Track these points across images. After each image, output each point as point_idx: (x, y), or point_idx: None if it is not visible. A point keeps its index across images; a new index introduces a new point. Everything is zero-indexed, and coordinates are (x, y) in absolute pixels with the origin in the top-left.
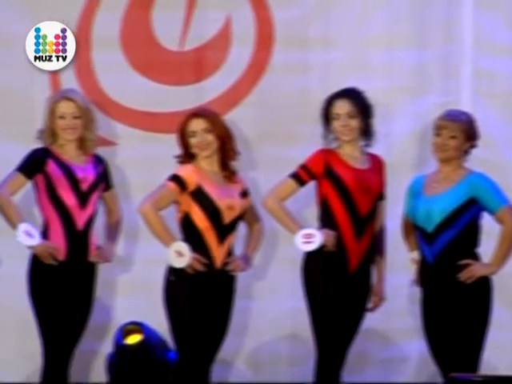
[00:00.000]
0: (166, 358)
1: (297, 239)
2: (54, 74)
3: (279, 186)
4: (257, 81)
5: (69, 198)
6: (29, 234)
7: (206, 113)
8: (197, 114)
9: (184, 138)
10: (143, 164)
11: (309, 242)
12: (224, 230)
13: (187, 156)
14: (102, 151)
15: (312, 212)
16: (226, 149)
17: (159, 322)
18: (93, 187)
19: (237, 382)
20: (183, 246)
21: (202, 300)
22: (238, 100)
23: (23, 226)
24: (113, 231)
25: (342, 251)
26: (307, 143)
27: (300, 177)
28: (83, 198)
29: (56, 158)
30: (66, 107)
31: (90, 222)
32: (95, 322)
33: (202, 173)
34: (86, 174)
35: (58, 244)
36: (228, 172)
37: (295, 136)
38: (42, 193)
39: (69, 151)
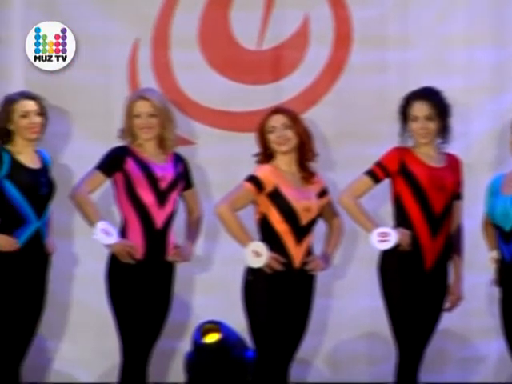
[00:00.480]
0: (244, 357)
1: (372, 237)
2: (133, 73)
3: (354, 184)
4: (335, 80)
5: (147, 197)
6: (106, 233)
7: (287, 110)
8: (277, 110)
9: (263, 135)
10: (222, 163)
11: (384, 241)
12: (301, 231)
13: (266, 155)
14: (181, 150)
15: (388, 210)
16: (305, 149)
17: (238, 321)
18: (172, 186)
19: (315, 381)
20: (260, 246)
21: (280, 299)
22: (316, 99)
23: (101, 225)
24: (193, 230)
25: (418, 250)
26: (385, 142)
27: (375, 174)
28: (162, 197)
29: (135, 157)
30: (141, 106)
31: (168, 221)
32: (174, 320)
33: (280, 174)
34: (165, 173)
35: (137, 243)
36: (306, 173)
37: (373, 135)
38: (121, 191)
39: (148, 150)
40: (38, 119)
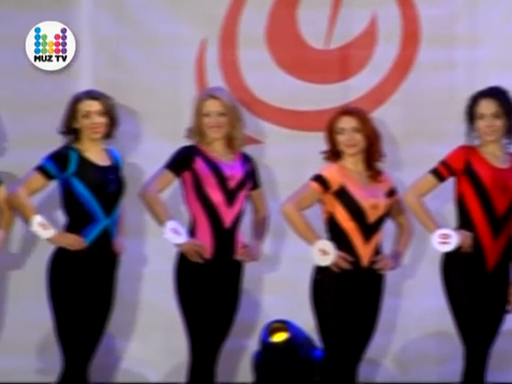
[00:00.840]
0: (312, 357)
1: (433, 239)
2: (201, 72)
3: (419, 182)
4: (402, 79)
5: (216, 196)
6: (176, 232)
7: (357, 112)
8: (347, 111)
9: (332, 134)
10: (290, 162)
11: (445, 243)
12: (369, 229)
13: (333, 153)
14: (248, 150)
15: (451, 210)
16: (373, 150)
17: (306, 321)
18: (240, 185)
19: (384, 381)
20: (327, 244)
21: (348, 298)
22: (384, 98)
23: (170, 224)
24: (260, 230)
25: (480, 251)
26: (453, 141)
27: (440, 173)
28: (230, 196)
29: (204, 156)
30: (211, 105)
31: (237, 220)
32: (242, 319)
33: (346, 173)
34: (234, 172)
35: (205, 242)
36: (373, 172)
37: (441, 134)
38: (190, 190)
39: (216, 149)
40: (100, 119)
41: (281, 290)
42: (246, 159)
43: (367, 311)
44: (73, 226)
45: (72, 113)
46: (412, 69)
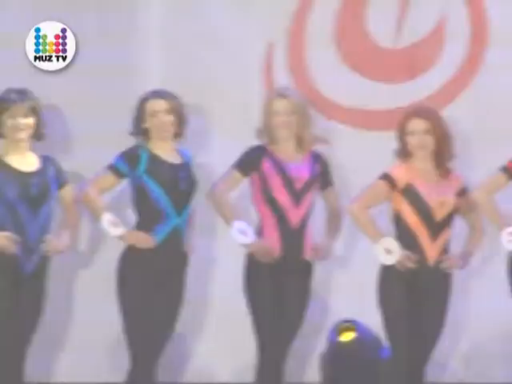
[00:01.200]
0: (380, 357)
1: (503, 236)
2: (269, 71)
3: (489, 180)
4: (471, 78)
5: (282, 198)
6: (243, 232)
7: (428, 113)
8: (419, 113)
9: (403, 134)
10: (358, 162)
11: None
12: (436, 227)
13: (404, 151)
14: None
15: None
16: (443, 151)
17: (375, 321)
18: (307, 186)
19: (451, 382)
20: (392, 243)
21: (414, 298)
22: (452, 98)
23: (237, 224)
24: (332, 229)
25: None
26: None
27: (510, 171)
28: (297, 197)
29: (271, 157)
30: (280, 104)
31: (304, 220)
32: (311, 319)
33: (414, 171)
34: (301, 173)
35: (273, 242)
36: (442, 170)
37: (510, 133)
38: (257, 191)
39: (286, 149)
40: (167, 118)
41: (350, 290)
42: (317, 158)
43: (434, 311)
44: (143, 225)
45: (140, 113)
46: (480, 68)
